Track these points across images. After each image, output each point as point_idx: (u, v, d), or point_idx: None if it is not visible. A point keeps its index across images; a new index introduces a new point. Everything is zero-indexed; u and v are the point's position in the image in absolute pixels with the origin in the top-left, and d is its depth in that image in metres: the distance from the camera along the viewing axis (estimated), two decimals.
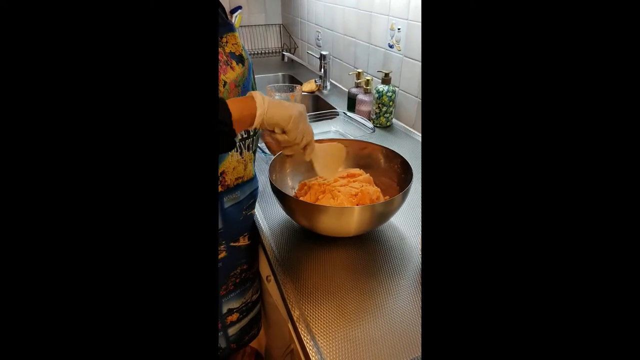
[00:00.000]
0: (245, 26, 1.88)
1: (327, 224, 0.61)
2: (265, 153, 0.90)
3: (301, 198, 0.68)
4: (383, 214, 0.62)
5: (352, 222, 0.60)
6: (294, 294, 0.57)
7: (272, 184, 0.63)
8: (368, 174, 0.74)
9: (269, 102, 0.51)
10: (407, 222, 0.73)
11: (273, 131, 0.54)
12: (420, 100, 1.04)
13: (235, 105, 0.48)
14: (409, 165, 0.68)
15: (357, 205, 0.65)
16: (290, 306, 0.55)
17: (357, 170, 0.75)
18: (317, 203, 0.65)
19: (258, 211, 0.75)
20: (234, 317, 0.75)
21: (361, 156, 0.78)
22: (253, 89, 0.62)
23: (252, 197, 0.69)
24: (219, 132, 0.45)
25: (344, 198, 0.65)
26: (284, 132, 0.54)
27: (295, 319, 0.53)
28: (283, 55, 1.30)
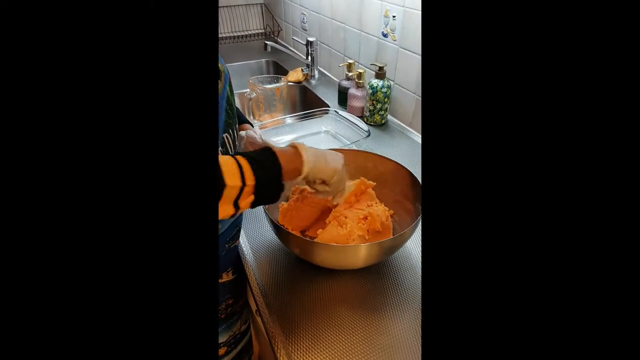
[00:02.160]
0: (223, 7, 1.73)
1: (331, 261, 0.55)
2: None
3: (307, 233, 0.61)
4: (392, 247, 0.55)
5: (358, 258, 0.53)
6: (284, 341, 0.50)
7: (267, 216, 0.55)
8: (370, 189, 0.67)
9: (314, 157, 0.48)
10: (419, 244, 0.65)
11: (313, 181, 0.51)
12: (417, 97, 0.95)
13: (281, 158, 0.45)
14: (417, 180, 0.61)
15: (367, 230, 0.58)
16: (279, 356, 0.48)
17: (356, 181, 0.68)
18: (323, 232, 0.58)
19: (242, 236, 0.67)
20: (222, 351, 0.68)
21: (363, 168, 0.70)
22: (229, 104, 0.53)
23: (236, 225, 0.60)
24: (268, 185, 0.43)
25: (353, 225, 0.57)
26: (324, 182, 0.51)
27: None
28: (265, 44, 1.18)
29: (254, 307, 0.69)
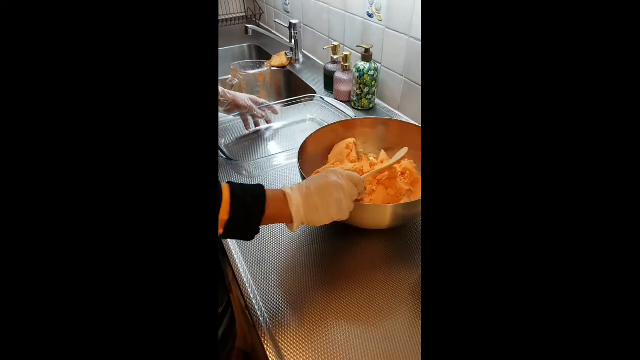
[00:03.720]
0: None
1: (364, 220, 0.58)
2: (228, 158, 0.77)
3: None
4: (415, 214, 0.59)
5: (385, 218, 0.57)
6: (273, 337, 0.48)
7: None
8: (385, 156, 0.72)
9: (305, 208, 0.46)
10: None
11: None
12: (405, 79, 0.92)
13: (269, 203, 0.44)
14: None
15: (411, 183, 0.64)
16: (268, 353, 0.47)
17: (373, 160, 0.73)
18: (373, 197, 0.63)
19: None
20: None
21: (368, 133, 0.76)
22: None
23: None
24: (241, 226, 0.42)
25: (398, 182, 0.64)
26: None
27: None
28: (246, 28, 1.13)
29: (242, 303, 0.67)
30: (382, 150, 0.74)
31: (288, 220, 0.47)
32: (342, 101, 1.04)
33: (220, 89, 0.84)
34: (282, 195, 0.46)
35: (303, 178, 0.60)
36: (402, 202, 0.62)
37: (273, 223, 0.47)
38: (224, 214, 0.40)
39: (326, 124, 0.74)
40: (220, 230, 0.41)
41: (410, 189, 0.63)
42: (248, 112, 0.87)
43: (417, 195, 0.64)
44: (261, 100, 0.91)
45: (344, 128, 0.75)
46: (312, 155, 0.70)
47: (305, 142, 0.68)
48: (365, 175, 0.57)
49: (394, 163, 0.63)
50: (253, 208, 0.42)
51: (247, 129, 0.91)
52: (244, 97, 0.87)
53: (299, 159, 0.63)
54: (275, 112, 0.91)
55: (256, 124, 0.93)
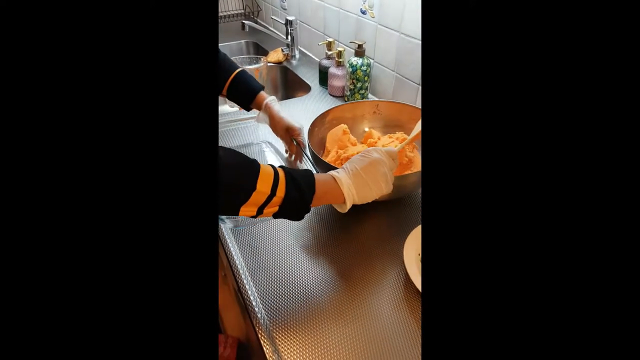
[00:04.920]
0: None
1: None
2: None
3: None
4: (417, 182, 0.63)
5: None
6: (269, 327, 0.51)
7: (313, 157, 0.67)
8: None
9: (355, 187, 0.51)
10: None
11: None
12: (396, 75, 0.95)
13: (318, 185, 0.48)
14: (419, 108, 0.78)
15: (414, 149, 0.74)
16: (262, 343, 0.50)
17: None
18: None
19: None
20: None
21: (372, 115, 0.83)
22: None
23: None
24: (295, 203, 0.47)
25: (406, 152, 0.72)
26: None
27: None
28: (243, 24, 1.16)
29: (235, 288, 0.70)
30: (371, 129, 0.83)
31: (339, 201, 0.51)
32: (335, 96, 1.07)
33: (275, 109, 0.75)
34: (331, 178, 0.51)
35: (314, 156, 0.66)
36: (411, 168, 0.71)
37: (323, 204, 0.51)
38: (280, 192, 0.45)
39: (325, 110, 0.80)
40: (275, 208, 0.46)
41: (416, 155, 0.74)
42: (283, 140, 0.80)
43: (417, 166, 0.72)
44: (299, 137, 0.76)
45: (345, 111, 0.83)
46: (320, 138, 0.79)
47: (312, 124, 0.74)
48: (399, 147, 0.62)
49: (418, 133, 0.65)
50: (304, 186, 0.47)
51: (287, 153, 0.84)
52: (285, 124, 0.75)
53: (308, 141, 0.70)
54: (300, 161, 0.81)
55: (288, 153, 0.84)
